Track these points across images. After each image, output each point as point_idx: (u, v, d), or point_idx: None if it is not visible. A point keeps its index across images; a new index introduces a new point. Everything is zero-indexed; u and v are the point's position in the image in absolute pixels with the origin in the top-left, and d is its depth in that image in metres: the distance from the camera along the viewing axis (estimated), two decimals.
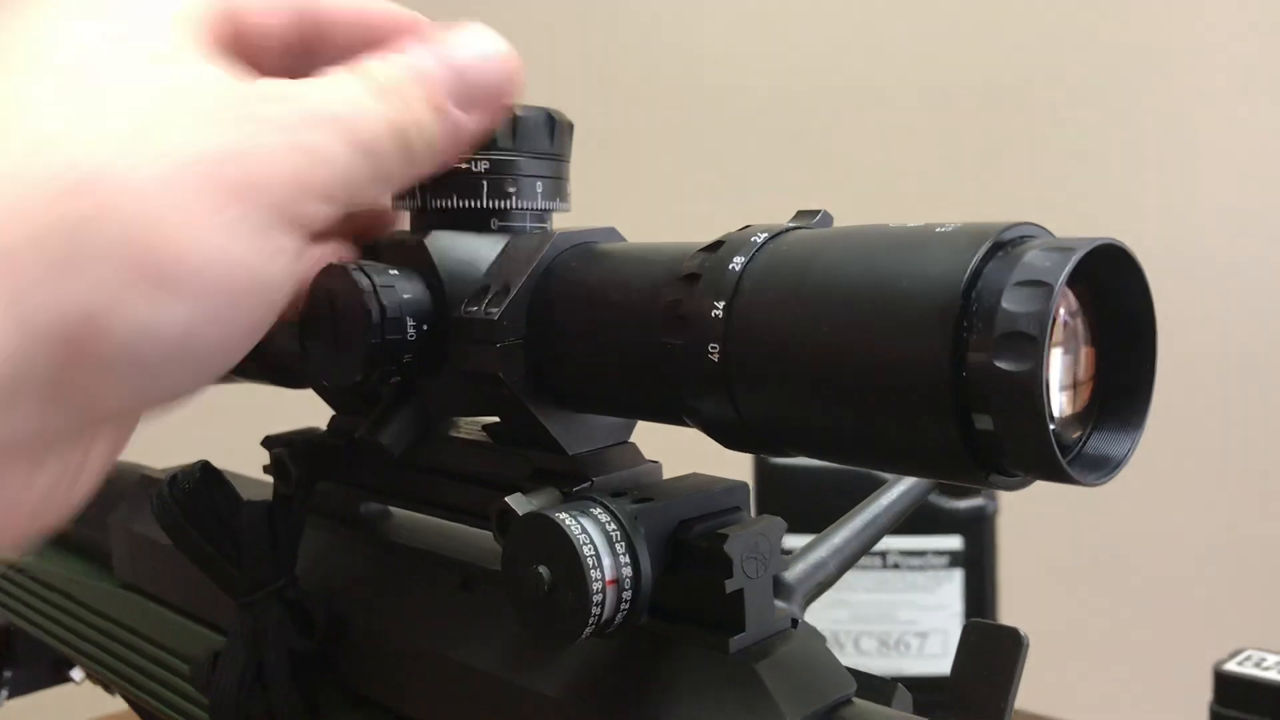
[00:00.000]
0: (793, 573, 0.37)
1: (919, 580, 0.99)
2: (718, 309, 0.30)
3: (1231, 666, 0.74)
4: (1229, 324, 1.06)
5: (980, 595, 0.99)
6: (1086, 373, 0.27)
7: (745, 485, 0.36)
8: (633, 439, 0.39)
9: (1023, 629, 0.31)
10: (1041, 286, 0.25)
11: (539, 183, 0.38)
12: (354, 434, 0.40)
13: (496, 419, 0.39)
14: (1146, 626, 0.98)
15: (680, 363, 0.31)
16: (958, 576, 0.99)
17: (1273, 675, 0.73)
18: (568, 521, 0.32)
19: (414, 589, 0.42)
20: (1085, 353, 0.27)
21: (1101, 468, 0.27)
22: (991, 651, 0.31)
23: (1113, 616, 1.04)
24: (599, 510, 0.33)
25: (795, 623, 0.35)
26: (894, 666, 1.01)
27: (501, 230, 0.38)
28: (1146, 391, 0.27)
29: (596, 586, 0.31)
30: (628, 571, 0.32)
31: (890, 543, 0.98)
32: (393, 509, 0.47)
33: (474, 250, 0.37)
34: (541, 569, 0.32)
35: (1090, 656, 1.02)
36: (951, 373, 0.25)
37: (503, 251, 0.37)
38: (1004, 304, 0.25)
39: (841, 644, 1.01)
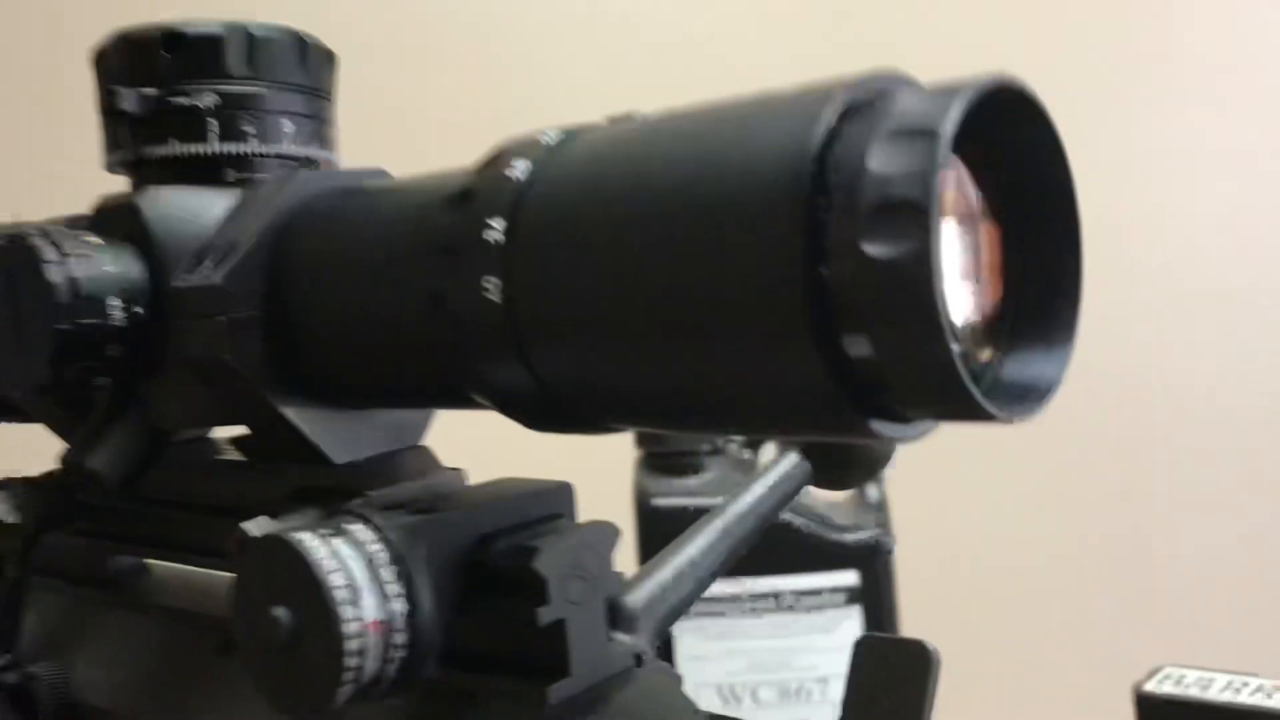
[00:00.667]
0: (636, 596, 0.28)
1: (817, 621, 0.92)
2: (495, 230, 0.22)
3: (1152, 687, 0.68)
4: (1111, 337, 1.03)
5: (881, 631, 0.92)
6: (991, 259, 0.20)
7: (568, 486, 0.28)
8: (439, 444, 0.31)
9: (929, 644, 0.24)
10: (922, 136, 0.17)
11: (286, 121, 0.30)
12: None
13: (245, 429, 0.30)
14: (1058, 653, 0.93)
15: (453, 312, 0.23)
16: (856, 614, 0.92)
17: (1194, 692, 0.67)
18: (310, 544, 0.23)
19: (163, 659, 0.33)
20: (986, 232, 0.20)
21: (1024, 398, 0.19)
22: (892, 672, 0.23)
23: (1022, 645, 0.98)
24: (359, 527, 0.24)
25: (639, 659, 0.27)
26: (797, 716, 0.93)
27: (241, 184, 0.30)
28: (1073, 287, 0.20)
29: (352, 629, 0.23)
30: (399, 608, 0.24)
31: (783, 583, 0.91)
32: (152, 560, 0.38)
33: (202, 208, 0.29)
34: (278, 612, 0.23)
35: (1000, 688, 0.96)
36: (805, 275, 0.18)
37: (236, 205, 0.28)
38: (871, 165, 0.17)
39: (739, 696, 0.93)
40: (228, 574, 0.32)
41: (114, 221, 0.28)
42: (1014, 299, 0.20)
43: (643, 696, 0.25)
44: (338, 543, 0.23)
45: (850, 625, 0.93)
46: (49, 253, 0.27)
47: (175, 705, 0.31)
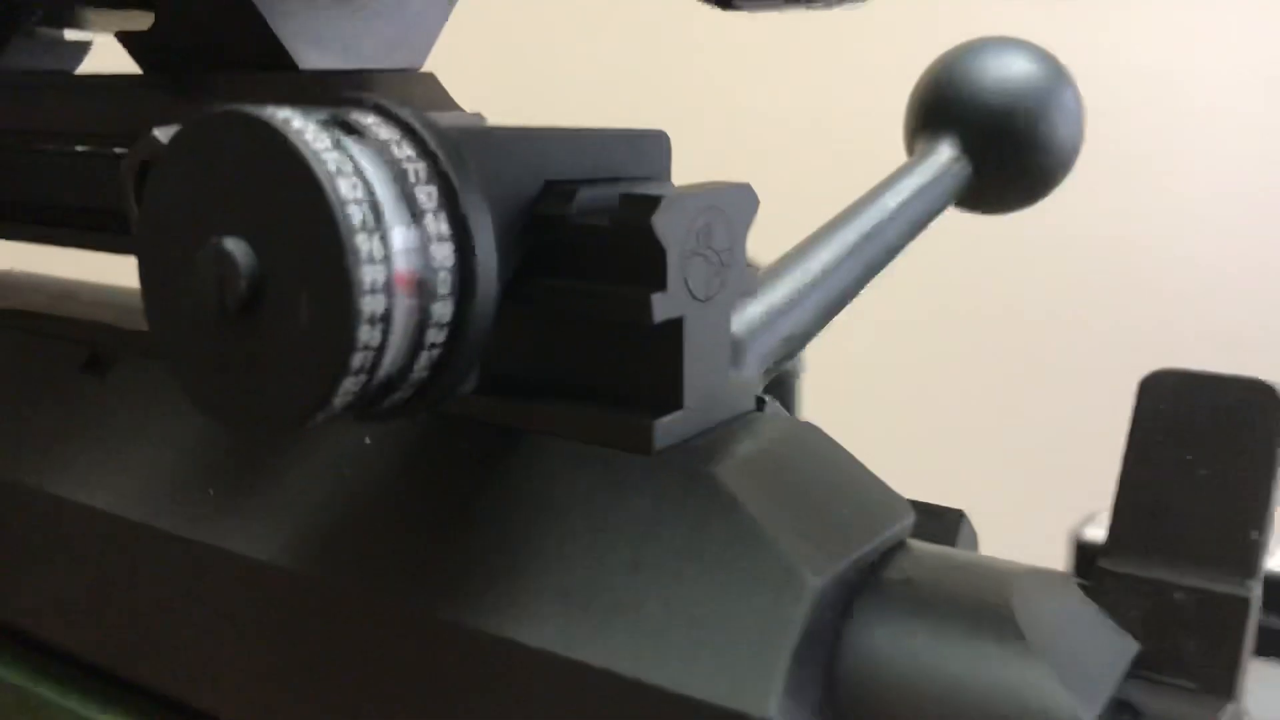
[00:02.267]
0: (742, 318, 0.19)
1: None
2: None
3: (1094, 533, 0.62)
4: None
5: None
6: None
7: (664, 136, 0.18)
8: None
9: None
10: None
11: None
12: None
13: (145, 17, 0.19)
14: (984, 493, 0.88)
15: None
16: None
17: None
18: (300, 129, 0.13)
19: (3, 385, 0.22)
20: None
21: None
22: (1210, 429, 0.15)
23: (945, 487, 0.93)
24: (377, 122, 0.14)
25: (760, 403, 0.18)
26: None
27: None
28: None
29: (371, 280, 0.13)
30: (444, 258, 0.14)
31: None
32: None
33: None
34: (232, 245, 0.13)
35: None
36: None
37: None
38: None
39: None
40: (101, 251, 0.21)
41: None
42: None
43: (785, 450, 0.16)
44: (346, 138, 0.13)
45: None
46: None
47: (20, 447, 0.21)
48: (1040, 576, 0.15)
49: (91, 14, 0.21)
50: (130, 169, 0.16)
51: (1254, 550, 0.14)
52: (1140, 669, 0.14)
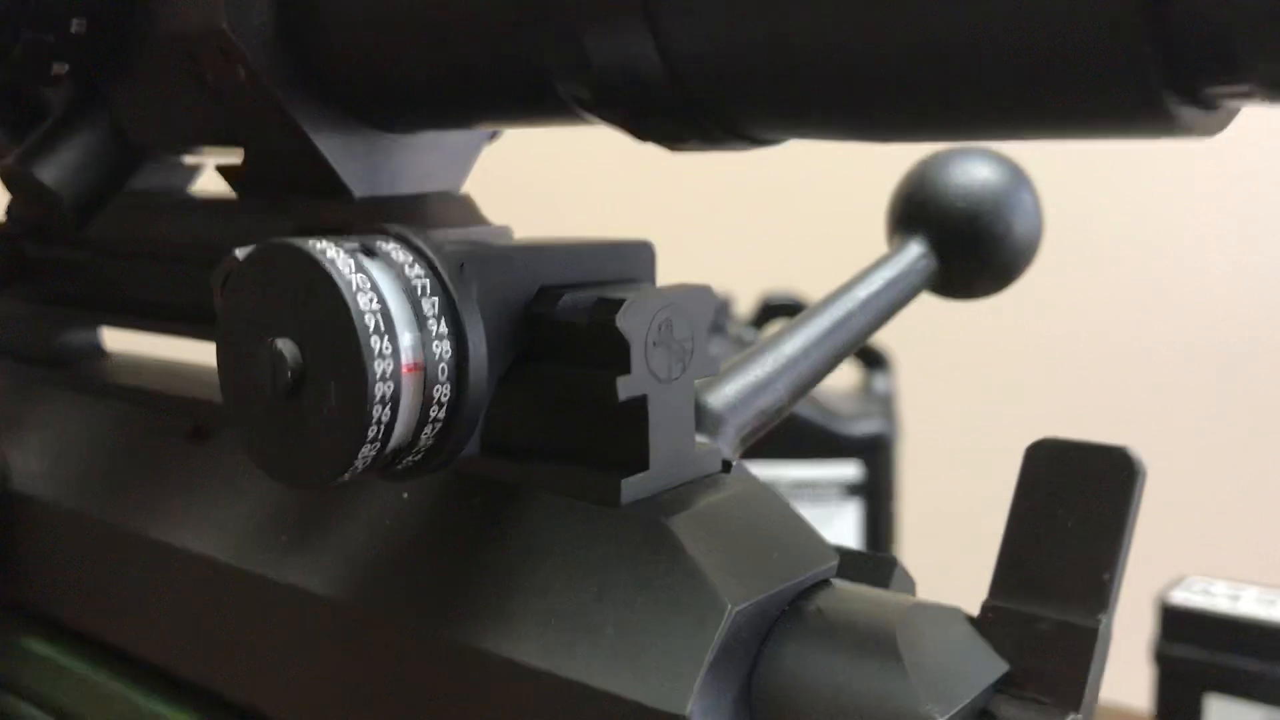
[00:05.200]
0: (720, 395, 0.23)
1: (812, 513, 0.87)
2: None
3: (1177, 597, 0.63)
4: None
5: (880, 528, 0.87)
6: None
7: (649, 246, 0.22)
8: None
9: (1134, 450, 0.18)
10: None
11: None
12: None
13: (239, 152, 0.24)
14: None
15: None
16: (854, 508, 0.87)
17: (1223, 604, 0.62)
18: (331, 256, 0.17)
19: (123, 449, 0.27)
20: None
21: None
22: (1081, 483, 0.18)
23: None
24: (394, 247, 0.18)
25: (728, 466, 0.21)
26: None
27: None
28: None
29: (382, 370, 0.17)
30: (444, 353, 0.18)
31: (780, 471, 0.86)
32: (112, 344, 0.32)
33: None
34: (282, 344, 0.17)
35: None
36: None
37: None
38: None
39: None
40: (209, 341, 0.26)
41: None
42: None
43: (735, 504, 0.20)
44: (367, 261, 0.18)
45: (847, 519, 0.89)
46: None
47: (135, 501, 0.25)
48: (931, 610, 0.18)
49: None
50: (217, 279, 0.20)
51: (1106, 589, 0.17)
52: (1010, 686, 0.17)
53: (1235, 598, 0.63)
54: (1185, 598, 0.62)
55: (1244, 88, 0.13)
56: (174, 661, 0.24)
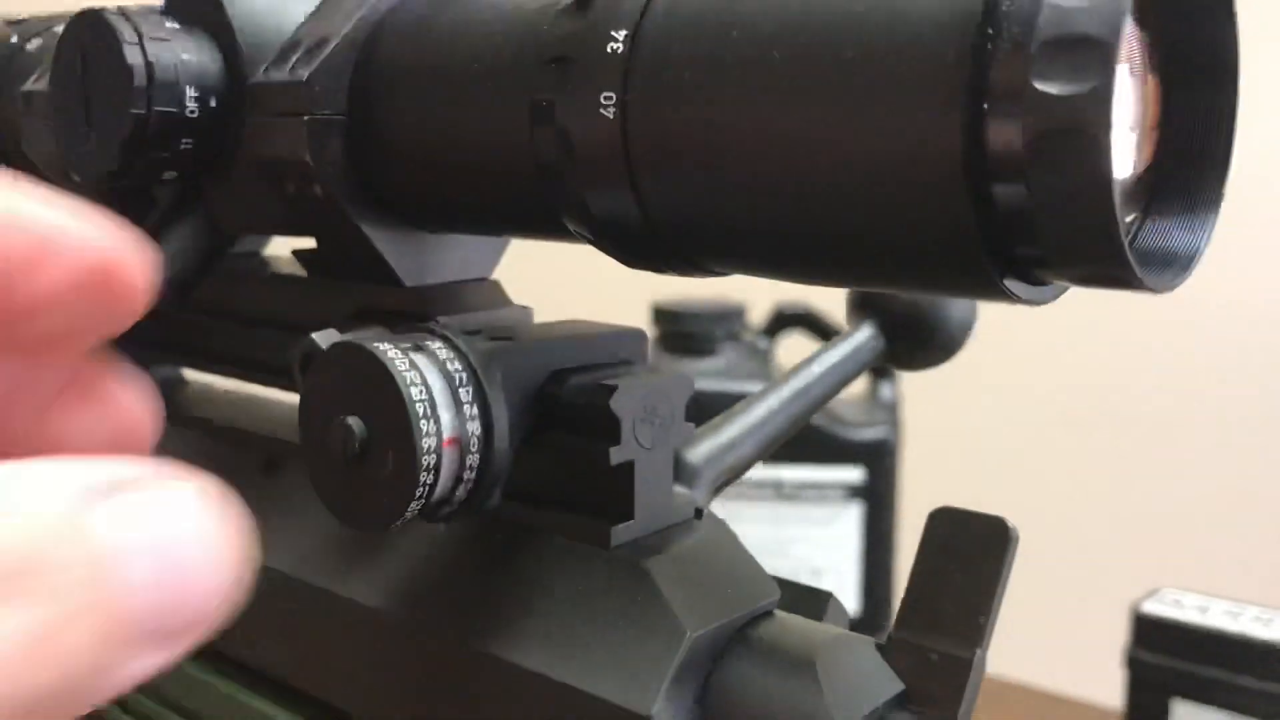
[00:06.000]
0: (697, 452, 0.28)
1: (815, 514, 0.92)
2: (616, 40, 0.20)
3: (1150, 607, 0.68)
4: None
5: (880, 530, 0.92)
6: (1149, 115, 0.19)
7: (641, 333, 0.27)
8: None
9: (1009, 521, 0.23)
10: None
11: None
12: None
13: (311, 241, 0.29)
14: (1057, 566, 0.93)
15: (562, 128, 0.21)
16: (856, 510, 0.92)
17: (1192, 616, 0.67)
18: (390, 355, 0.22)
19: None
20: (1151, 86, 0.19)
21: (1168, 265, 0.18)
22: (966, 546, 0.23)
23: (1021, 555, 0.98)
24: (439, 346, 0.23)
25: (700, 513, 0.27)
26: None
27: None
28: (1224, 154, 0.19)
29: (429, 444, 0.22)
30: (475, 429, 0.23)
31: (785, 473, 0.91)
32: (189, 373, 0.37)
33: (287, 3, 0.27)
34: (352, 421, 0.23)
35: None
36: (965, 110, 0.17)
37: (320, 4, 0.27)
38: None
39: None
40: (278, 390, 0.31)
41: (194, 9, 0.27)
42: (1163, 161, 0.19)
43: (703, 547, 0.25)
44: (417, 356, 0.23)
45: (848, 521, 0.93)
46: (128, 33, 0.25)
47: None
48: (846, 639, 0.23)
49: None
50: (294, 357, 0.25)
51: (982, 629, 0.22)
52: (906, 702, 0.23)
53: (1204, 610, 0.67)
54: (1157, 608, 0.67)
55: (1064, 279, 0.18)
56: (262, 661, 0.29)
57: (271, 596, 0.28)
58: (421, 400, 0.22)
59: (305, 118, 0.25)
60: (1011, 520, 0.23)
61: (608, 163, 0.21)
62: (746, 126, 0.19)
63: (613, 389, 0.24)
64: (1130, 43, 0.18)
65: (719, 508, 0.27)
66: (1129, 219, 0.19)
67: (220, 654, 0.30)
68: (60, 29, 0.35)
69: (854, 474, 0.93)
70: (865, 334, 0.29)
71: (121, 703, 0.32)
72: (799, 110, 0.18)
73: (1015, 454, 1.03)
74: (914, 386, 0.97)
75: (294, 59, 0.25)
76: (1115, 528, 0.98)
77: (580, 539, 0.25)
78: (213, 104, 0.26)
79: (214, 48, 0.27)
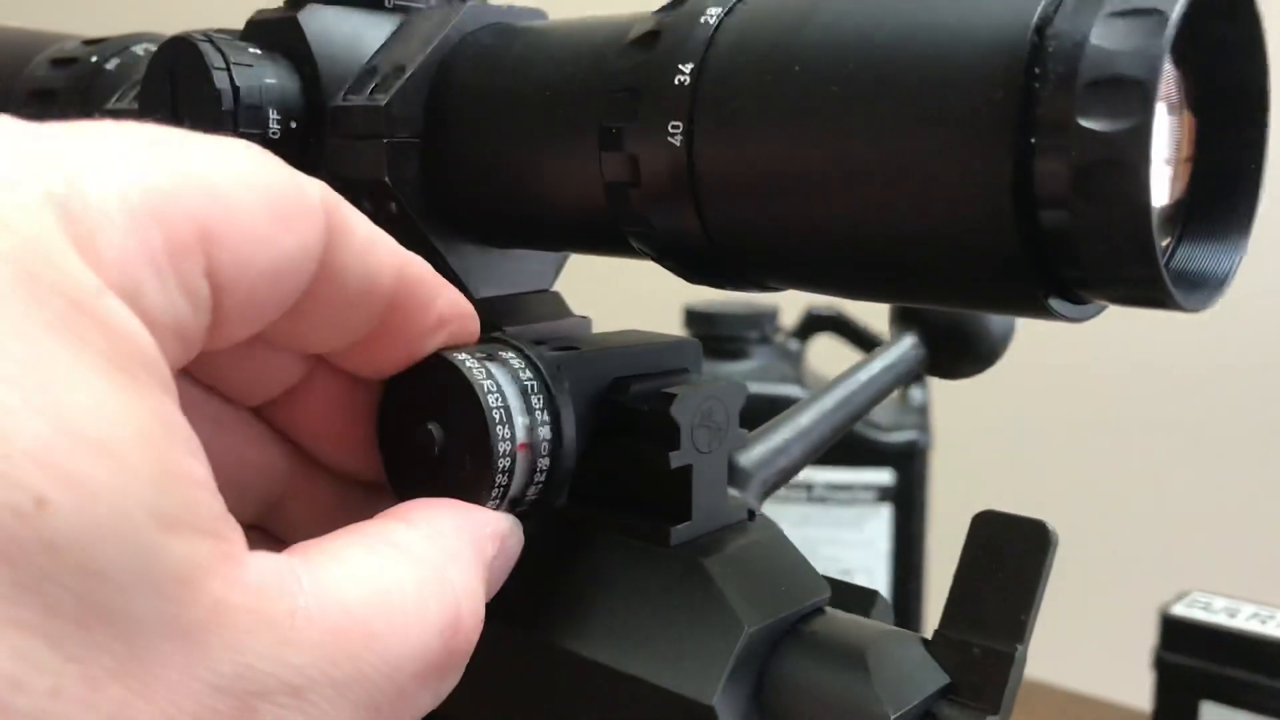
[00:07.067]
0: (749, 456, 0.29)
1: (845, 515, 0.93)
2: (683, 74, 0.22)
3: (1178, 610, 0.69)
4: None
5: (909, 533, 0.93)
6: (1184, 149, 0.20)
7: (696, 343, 0.29)
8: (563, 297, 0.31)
9: (1050, 525, 0.24)
10: (1149, 15, 0.17)
11: None
12: None
13: None
14: (1087, 568, 0.94)
15: (631, 155, 0.23)
16: (886, 512, 0.93)
17: (1221, 619, 0.68)
18: (469, 365, 0.24)
19: None
20: (1187, 120, 0.20)
21: (1200, 286, 0.20)
22: (1008, 550, 0.24)
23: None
24: (512, 356, 0.25)
25: (752, 514, 0.28)
26: None
27: (399, 10, 0.30)
28: (1254, 182, 0.20)
29: (504, 449, 0.24)
30: (545, 434, 0.25)
31: (816, 475, 0.92)
32: None
33: (361, 30, 0.29)
34: (432, 426, 0.24)
35: None
36: (1014, 143, 0.18)
37: (397, 30, 0.29)
38: (1094, 39, 0.18)
39: None
40: None
41: (273, 35, 0.29)
42: (1196, 189, 0.20)
43: (757, 546, 0.26)
44: (492, 366, 0.24)
45: (878, 523, 0.94)
46: (215, 59, 0.27)
47: None
48: (895, 634, 0.24)
49: None
50: None
51: (1023, 626, 0.24)
52: (949, 694, 0.24)
53: (1233, 613, 0.68)
54: (1186, 611, 0.68)
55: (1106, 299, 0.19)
56: None
57: None
58: (498, 408, 0.24)
59: (385, 140, 0.27)
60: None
61: (673, 187, 0.22)
62: (806, 155, 0.20)
63: (673, 396, 0.25)
64: (1168, 81, 0.20)
65: None
66: (1164, 243, 0.20)
67: None
68: (138, 49, 0.37)
69: (884, 476, 0.94)
70: (907, 344, 0.31)
71: None
72: (857, 142, 0.20)
73: (1044, 457, 1.04)
74: (944, 390, 0.98)
75: (372, 84, 0.27)
76: (1144, 530, 0.99)
77: (641, 538, 0.26)
78: (293, 126, 0.28)
79: (294, 73, 0.28)
